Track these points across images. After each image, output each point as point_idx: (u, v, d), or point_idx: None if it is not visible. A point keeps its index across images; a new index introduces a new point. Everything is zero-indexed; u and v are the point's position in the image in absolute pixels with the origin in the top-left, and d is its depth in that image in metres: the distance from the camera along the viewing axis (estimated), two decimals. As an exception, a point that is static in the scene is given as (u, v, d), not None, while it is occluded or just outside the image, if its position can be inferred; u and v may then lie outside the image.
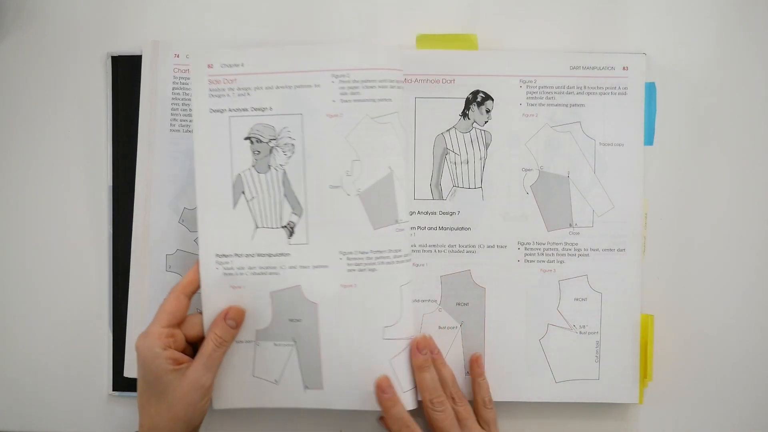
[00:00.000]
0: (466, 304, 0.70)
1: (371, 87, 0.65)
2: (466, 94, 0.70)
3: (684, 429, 0.71)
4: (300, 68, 0.65)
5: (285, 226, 0.66)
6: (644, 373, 0.70)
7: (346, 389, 0.67)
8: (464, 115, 0.70)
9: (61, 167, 0.72)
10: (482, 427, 0.67)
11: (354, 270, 0.66)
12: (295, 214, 0.66)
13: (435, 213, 0.70)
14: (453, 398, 0.67)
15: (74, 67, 0.72)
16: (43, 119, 0.72)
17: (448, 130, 0.70)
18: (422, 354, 0.67)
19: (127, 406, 0.72)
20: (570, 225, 0.70)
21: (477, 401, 0.69)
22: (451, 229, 0.70)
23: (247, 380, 0.68)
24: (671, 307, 0.71)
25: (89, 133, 0.72)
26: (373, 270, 0.66)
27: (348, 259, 0.66)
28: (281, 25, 0.72)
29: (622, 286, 0.70)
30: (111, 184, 0.72)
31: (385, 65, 0.65)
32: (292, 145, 0.66)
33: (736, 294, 0.71)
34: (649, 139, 0.71)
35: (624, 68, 0.70)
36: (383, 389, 0.66)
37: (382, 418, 0.68)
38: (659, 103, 0.71)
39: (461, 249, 0.70)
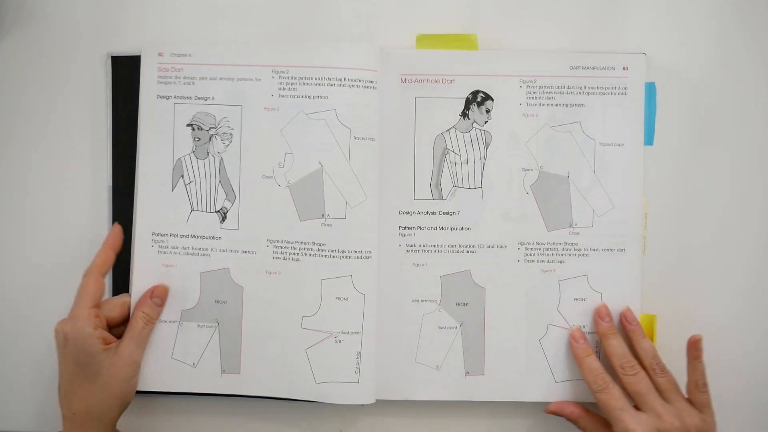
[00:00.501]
0: (466, 304, 0.70)
1: (308, 84, 0.68)
2: (466, 94, 0.70)
3: (684, 429, 0.71)
4: (244, 62, 0.69)
5: (218, 211, 0.69)
6: (644, 373, 0.70)
7: (262, 375, 0.69)
8: (464, 115, 0.70)
9: (61, 167, 0.72)
10: (696, 409, 0.65)
11: (279, 258, 0.68)
12: (229, 200, 0.69)
13: (435, 213, 0.70)
14: (654, 369, 0.66)
15: (74, 67, 0.72)
16: (44, 119, 0.72)
17: (448, 130, 0.70)
18: (604, 321, 0.68)
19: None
20: (570, 225, 0.70)
21: (690, 383, 0.66)
22: (451, 229, 0.70)
23: (166, 363, 0.70)
24: (671, 307, 0.71)
25: (89, 133, 0.72)
26: (296, 260, 0.68)
27: (274, 247, 0.68)
28: (280, 26, 0.72)
29: (622, 286, 0.70)
30: (111, 184, 0.72)
31: (326, 63, 0.67)
32: (231, 134, 0.69)
33: (736, 294, 0.71)
34: (649, 139, 0.71)
35: (624, 68, 0.70)
36: (576, 338, 0.68)
37: (548, 408, 0.69)
38: (659, 103, 0.71)
39: (461, 249, 0.70)
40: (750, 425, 0.71)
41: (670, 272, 0.71)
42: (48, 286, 0.72)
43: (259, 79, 0.69)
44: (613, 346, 0.67)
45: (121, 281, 0.71)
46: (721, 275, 0.71)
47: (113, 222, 0.71)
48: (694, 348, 0.67)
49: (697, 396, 0.66)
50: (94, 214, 0.72)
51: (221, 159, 0.69)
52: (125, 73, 0.71)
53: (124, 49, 0.71)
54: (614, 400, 0.64)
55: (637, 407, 0.65)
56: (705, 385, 0.66)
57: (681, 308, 0.71)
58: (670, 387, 0.66)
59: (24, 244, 0.73)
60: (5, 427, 0.72)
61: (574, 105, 0.70)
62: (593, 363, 0.67)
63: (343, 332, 0.68)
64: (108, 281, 0.72)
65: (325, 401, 0.68)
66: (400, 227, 0.70)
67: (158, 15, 0.72)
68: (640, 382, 0.65)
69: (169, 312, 0.70)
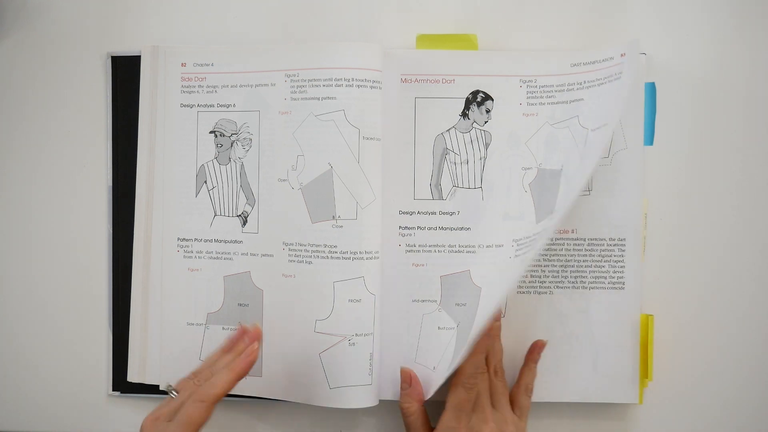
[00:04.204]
0: (464, 305, 0.70)
1: (316, 86, 0.68)
2: (466, 94, 0.70)
3: (684, 429, 0.71)
4: (260, 68, 0.70)
5: (240, 215, 0.70)
6: (644, 373, 0.70)
7: (282, 379, 0.69)
8: (464, 115, 0.70)
9: (61, 167, 0.72)
10: (516, 415, 0.66)
11: (294, 261, 0.68)
12: (249, 204, 0.70)
13: (435, 213, 0.70)
14: (496, 371, 0.67)
15: (74, 67, 0.72)
16: (43, 119, 0.72)
17: (448, 130, 0.70)
18: (498, 322, 0.68)
19: (126, 407, 0.72)
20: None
21: (520, 386, 0.67)
22: (451, 229, 0.70)
23: (195, 364, 0.69)
24: (671, 307, 0.71)
25: (89, 133, 0.72)
26: (309, 263, 0.68)
27: (290, 250, 0.69)
28: (281, 27, 0.72)
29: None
30: (111, 184, 0.72)
31: (334, 64, 0.67)
32: (250, 139, 0.70)
33: (736, 294, 0.71)
34: (649, 139, 0.71)
35: (621, 55, 0.68)
36: (497, 318, 0.68)
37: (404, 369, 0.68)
38: (659, 103, 0.71)
39: (461, 249, 0.70)
40: (750, 425, 0.71)
41: (670, 272, 0.71)
42: (48, 285, 0.72)
43: (274, 84, 0.69)
44: (497, 350, 0.67)
45: (121, 285, 0.72)
46: (721, 275, 0.71)
47: (113, 222, 0.71)
48: (537, 351, 0.68)
49: (522, 400, 0.67)
50: (94, 214, 0.72)
51: (242, 164, 0.70)
52: (125, 73, 0.71)
53: (124, 49, 0.72)
54: (466, 401, 0.65)
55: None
56: (531, 390, 0.67)
57: (681, 308, 0.71)
58: (503, 392, 0.66)
59: (24, 244, 0.73)
60: (5, 427, 0.73)
61: (573, 101, 0.70)
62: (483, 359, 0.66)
63: (356, 334, 0.68)
64: (107, 284, 0.72)
65: (340, 407, 0.68)
66: (400, 227, 0.70)
67: (158, 15, 0.72)
68: (482, 383, 0.65)
69: (196, 315, 0.70)
